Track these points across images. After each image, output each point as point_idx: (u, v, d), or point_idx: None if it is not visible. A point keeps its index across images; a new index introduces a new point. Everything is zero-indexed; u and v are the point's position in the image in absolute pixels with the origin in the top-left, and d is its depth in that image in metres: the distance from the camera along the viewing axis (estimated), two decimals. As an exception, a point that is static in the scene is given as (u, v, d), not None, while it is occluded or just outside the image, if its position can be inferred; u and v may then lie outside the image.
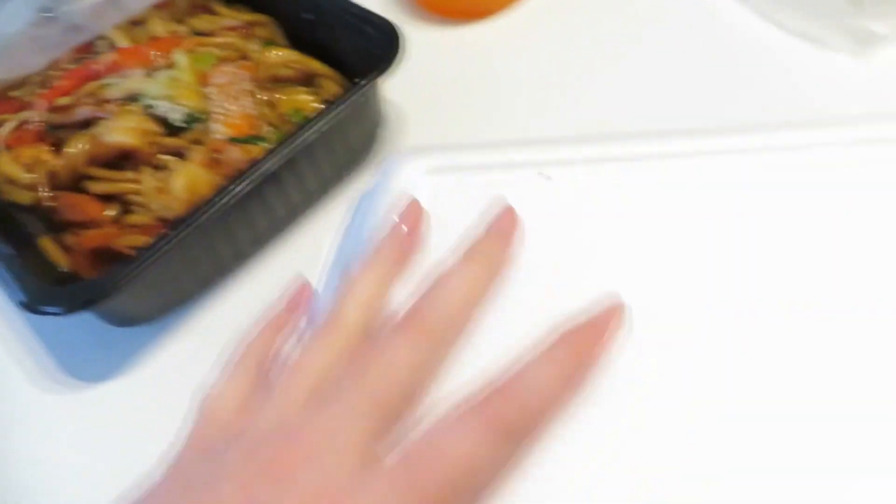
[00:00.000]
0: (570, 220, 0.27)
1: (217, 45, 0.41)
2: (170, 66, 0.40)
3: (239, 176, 0.32)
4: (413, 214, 0.27)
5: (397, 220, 0.27)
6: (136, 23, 0.42)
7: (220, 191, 0.32)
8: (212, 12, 0.43)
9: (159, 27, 0.41)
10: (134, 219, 0.36)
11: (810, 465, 0.21)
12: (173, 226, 0.31)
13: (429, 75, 0.44)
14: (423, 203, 0.28)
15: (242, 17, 0.42)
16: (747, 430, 0.21)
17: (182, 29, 0.42)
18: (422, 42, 0.46)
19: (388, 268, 0.26)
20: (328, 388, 0.22)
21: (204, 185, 0.35)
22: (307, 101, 0.39)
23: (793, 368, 0.22)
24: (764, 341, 0.23)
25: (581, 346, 0.22)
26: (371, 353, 0.23)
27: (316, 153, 0.36)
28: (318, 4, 0.40)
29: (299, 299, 0.28)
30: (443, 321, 0.23)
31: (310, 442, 0.20)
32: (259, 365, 0.26)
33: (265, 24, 0.42)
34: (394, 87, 0.42)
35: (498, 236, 0.26)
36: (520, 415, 0.20)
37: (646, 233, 0.26)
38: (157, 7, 0.42)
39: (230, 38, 0.41)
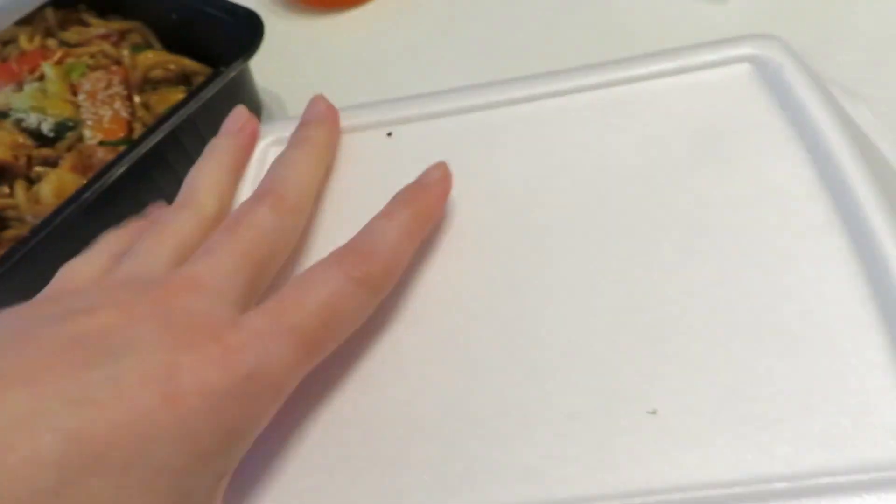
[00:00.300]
0: (413, 172, 0.27)
1: (88, 54, 0.41)
2: (40, 78, 0.39)
3: (100, 173, 0.32)
4: (239, 115, 0.29)
5: (226, 125, 0.29)
6: (5, 42, 0.42)
7: (79, 190, 0.32)
8: (84, 24, 0.43)
9: (27, 43, 0.41)
10: (11, 233, 0.36)
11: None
12: (35, 231, 0.31)
13: (304, 62, 0.44)
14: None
15: (113, 25, 0.42)
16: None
17: (52, 42, 0.42)
18: (296, 31, 0.46)
19: (227, 158, 0.27)
20: (196, 249, 0.23)
21: (73, 189, 0.34)
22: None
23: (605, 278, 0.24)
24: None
25: (415, 205, 0.24)
26: (234, 217, 0.24)
27: (185, 144, 0.36)
28: (182, 3, 0.40)
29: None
30: (292, 191, 0.25)
31: (189, 281, 0.21)
32: (119, 246, 0.25)
33: (137, 30, 0.42)
34: (270, 76, 0.42)
35: (315, 122, 0.28)
36: (370, 265, 0.22)
37: (486, 173, 0.27)
38: (25, 23, 0.42)
39: (101, 47, 0.41)
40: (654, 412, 0.20)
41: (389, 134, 0.28)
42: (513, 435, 0.21)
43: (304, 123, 0.29)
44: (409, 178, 0.27)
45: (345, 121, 0.30)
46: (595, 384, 0.21)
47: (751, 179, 0.25)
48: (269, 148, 0.29)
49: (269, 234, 0.23)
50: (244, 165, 0.29)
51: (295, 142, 0.27)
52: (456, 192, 0.26)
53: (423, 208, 0.25)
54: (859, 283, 0.22)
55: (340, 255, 0.23)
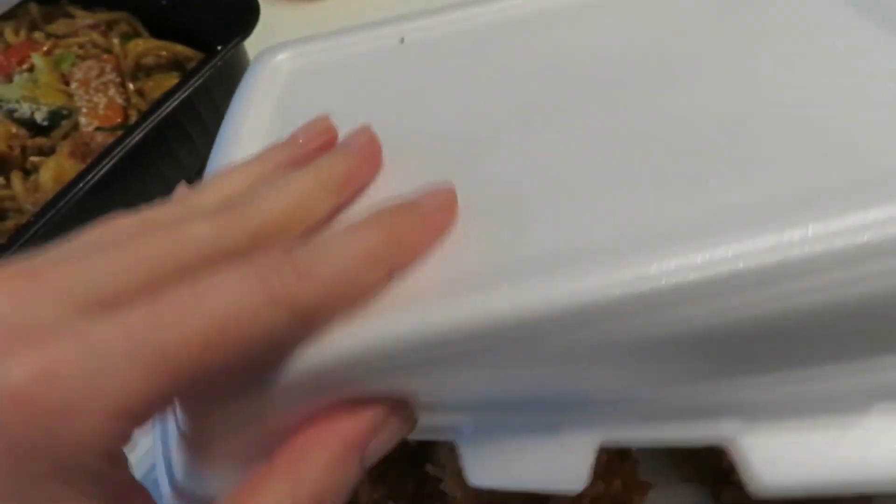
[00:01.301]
0: (425, 76, 0.27)
1: (77, 45, 0.40)
2: (29, 70, 0.39)
3: (102, 155, 0.32)
4: (314, 128, 0.23)
5: (297, 133, 0.23)
6: (-10, 37, 0.41)
7: (82, 172, 0.31)
8: (69, 16, 0.42)
9: (13, 36, 0.40)
10: (10, 223, 0.35)
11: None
12: (39, 215, 0.31)
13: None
14: (282, 85, 0.28)
15: (99, 16, 0.42)
16: None
17: (39, 35, 0.41)
18: (285, 17, 0.46)
19: (268, 169, 0.21)
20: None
21: (73, 175, 0.34)
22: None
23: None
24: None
25: (396, 228, 0.18)
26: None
27: (185, 126, 0.35)
28: (171, -13, 0.40)
29: None
30: (257, 209, 0.19)
31: (23, 270, 0.15)
32: None
33: (125, 20, 0.42)
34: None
35: (339, 151, 0.22)
36: (302, 285, 0.16)
37: (497, 76, 0.27)
38: (8, 18, 0.41)
39: (90, 37, 0.40)
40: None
41: (402, 40, 0.29)
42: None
43: (335, 150, 0.22)
44: (422, 84, 0.27)
45: (356, 32, 0.30)
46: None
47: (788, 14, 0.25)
48: (282, 63, 0.29)
49: (190, 244, 0.17)
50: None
51: (313, 165, 0.21)
52: (478, 75, 0.26)
53: (406, 236, 0.18)
54: None
55: (267, 260, 0.17)
